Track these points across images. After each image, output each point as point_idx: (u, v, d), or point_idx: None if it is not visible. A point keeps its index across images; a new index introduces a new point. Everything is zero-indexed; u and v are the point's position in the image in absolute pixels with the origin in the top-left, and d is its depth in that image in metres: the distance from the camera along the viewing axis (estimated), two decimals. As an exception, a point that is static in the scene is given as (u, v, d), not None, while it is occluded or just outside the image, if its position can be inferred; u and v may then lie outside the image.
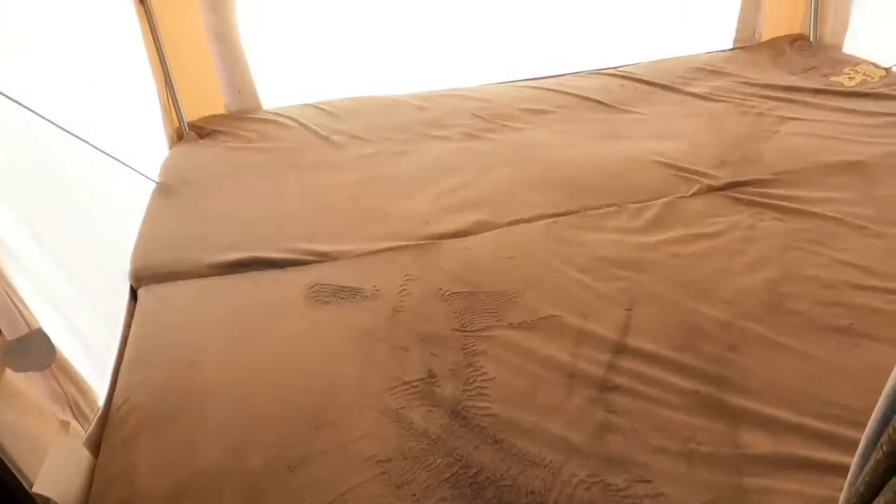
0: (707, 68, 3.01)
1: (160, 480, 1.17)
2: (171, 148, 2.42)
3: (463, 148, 2.41)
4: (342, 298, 1.63)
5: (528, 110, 2.67)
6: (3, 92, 1.17)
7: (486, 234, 1.89)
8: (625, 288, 1.64)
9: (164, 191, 2.09)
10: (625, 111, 2.66)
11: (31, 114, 1.31)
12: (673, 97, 2.77)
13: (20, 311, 1.00)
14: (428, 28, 2.90)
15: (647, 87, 2.86)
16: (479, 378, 1.36)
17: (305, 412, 1.30)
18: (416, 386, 1.35)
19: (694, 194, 2.04)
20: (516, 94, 2.84)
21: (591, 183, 2.11)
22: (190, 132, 2.55)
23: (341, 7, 2.74)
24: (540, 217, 1.96)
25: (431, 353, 1.44)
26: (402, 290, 1.66)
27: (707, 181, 2.09)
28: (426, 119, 2.62)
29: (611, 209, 1.98)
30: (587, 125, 2.55)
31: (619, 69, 3.05)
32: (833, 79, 2.78)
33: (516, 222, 1.94)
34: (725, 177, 2.11)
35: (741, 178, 2.09)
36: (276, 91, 2.78)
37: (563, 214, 1.97)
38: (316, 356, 1.47)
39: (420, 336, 1.49)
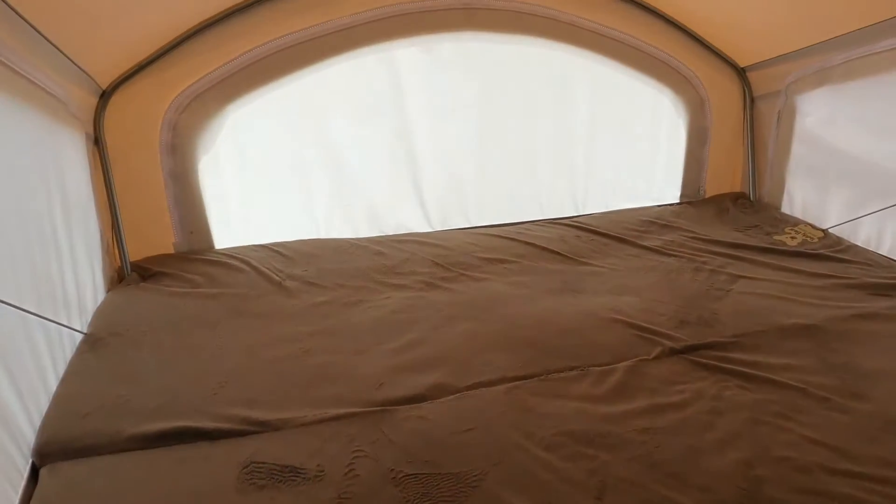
0: (658, 222, 3.14)
1: None
2: (108, 291, 2.26)
3: (421, 298, 2.35)
4: (280, 481, 1.44)
5: (487, 259, 2.67)
6: None
7: (444, 399, 1.76)
8: (593, 469, 1.51)
9: (92, 343, 1.90)
10: (582, 263, 2.69)
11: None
12: (628, 250, 2.84)
13: None
14: (389, 172, 2.95)
15: (603, 239, 2.93)
16: None
17: None
18: None
19: (656, 357, 1.99)
20: (475, 241, 2.85)
21: (553, 342, 2.05)
22: (132, 273, 2.42)
23: (302, 147, 2.77)
24: (501, 380, 1.86)
25: (380, 558, 1.25)
26: (350, 470, 1.48)
27: (668, 343, 2.05)
28: (384, 266, 2.58)
29: (573, 373, 1.90)
30: (546, 277, 2.54)
31: (575, 219, 3.15)
32: (776, 237, 2.91)
33: (476, 386, 1.83)
34: (686, 338, 2.08)
35: (701, 341, 2.06)
36: (230, 230, 2.72)
37: (525, 378, 1.87)
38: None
39: (367, 534, 1.31)
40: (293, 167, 2.77)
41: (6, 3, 1.38)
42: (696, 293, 2.42)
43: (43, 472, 1.44)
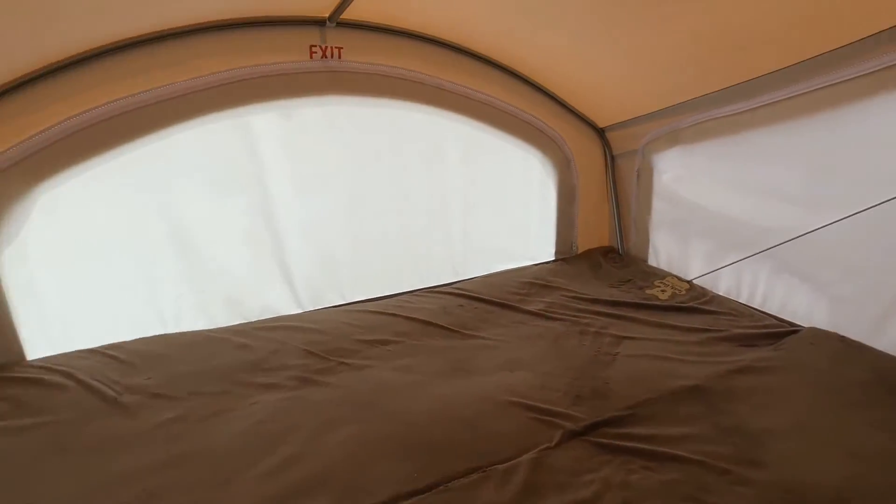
0: (538, 282, 3.10)
1: None
2: None
3: (295, 399, 2.04)
4: None
5: (368, 342, 2.43)
6: None
7: (331, 536, 1.48)
8: None
9: None
10: (469, 336, 2.55)
11: None
12: (513, 316, 2.75)
13: None
14: (250, 251, 2.62)
15: (486, 307, 2.82)
16: None
17: None
18: None
19: (558, 443, 1.87)
20: (353, 320, 2.60)
21: (450, 439, 1.85)
22: None
23: (141, 227, 2.36)
24: (397, 497, 1.61)
25: None
26: None
27: (568, 424, 1.94)
28: (248, 362, 2.23)
29: (475, 476, 1.71)
30: (434, 357, 2.35)
31: (455, 286, 3.02)
32: (648, 292, 3.00)
33: (371, 512, 1.57)
34: (584, 416, 1.98)
35: (599, 417, 1.97)
36: (46, 335, 2.21)
37: (424, 491, 1.64)
38: None
39: None
40: (131, 252, 2.34)
41: None
42: (586, 360, 2.36)
43: None
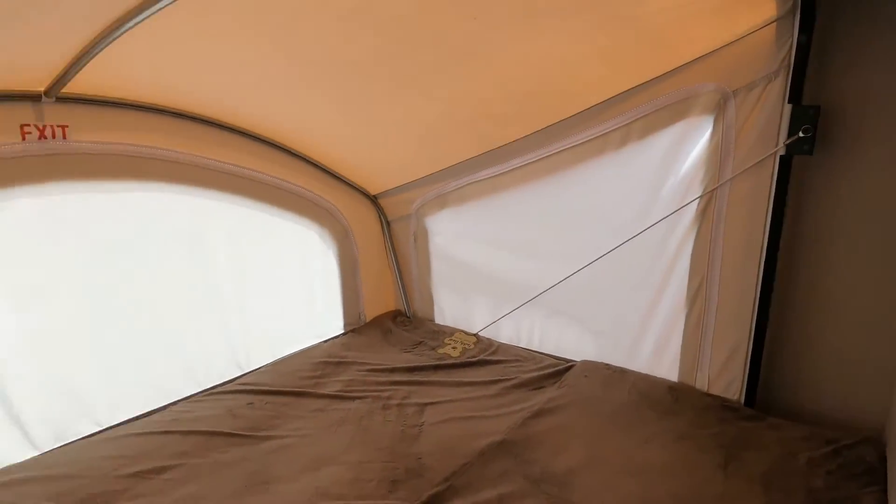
0: (331, 361, 2.94)
1: None
2: None
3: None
4: None
5: (136, 475, 1.99)
6: None
7: None
8: None
9: None
10: (264, 438, 2.26)
11: None
12: (310, 404, 2.54)
13: None
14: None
15: (279, 399, 2.56)
16: None
17: None
18: None
19: (383, 542, 1.72)
20: (115, 451, 2.12)
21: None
22: None
23: None
24: None
25: None
26: None
27: (388, 517, 1.81)
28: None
29: None
30: (223, 475, 2.02)
31: (240, 382, 2.70)
32: (441, 351, 3.05)
33: None
34: (403, 502, 1.88)
35: (419, 499, 1.89)
36: None
37: None
38: None
39: None
40: None
41: None
42: (394, 439, 2.27)
43: None
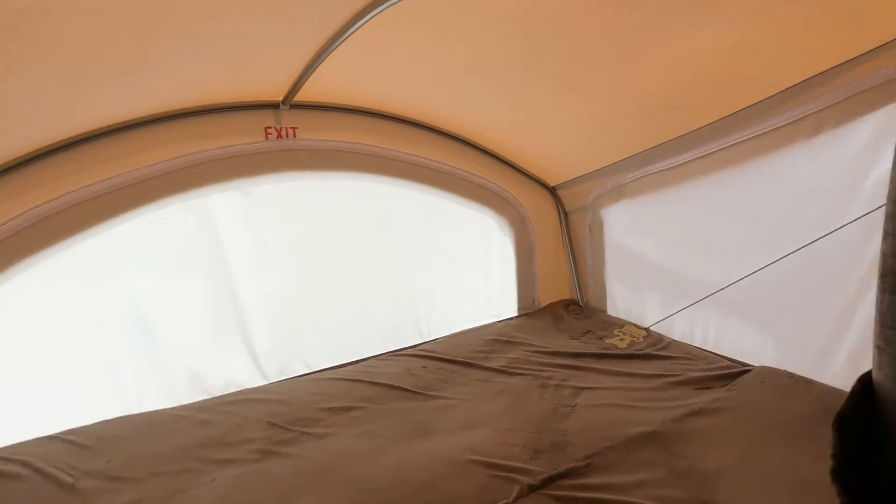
0: (501, 339, 3.17)
1: None
2: None
3: (255, 473, 2.04)
4: None
5: (330, 409, 2.46)
6: None
7: None
8: None
9: None
10: (432, 396, 2.58)
11: None
12: (476, 374, 2.80)
13: None
14: (211, 328, 2.67)
15: (450, 366, 2.87)
16: None
17: None
18: None
19: (516, 498, 1.89)
20: (317, 389, 2.63)
21: (406, 502, 1.86)
22: None
23: (99, 311, 2.41)
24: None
25: None
26: None
27: (525, 479, 1.97)
28: (209, 438, 2.24)
29: (434, 538, 1.72)
30: (395, 421, 2.38)
31: (420, 348, 3.07)
32: (607, 341, 3.08)
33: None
34: (541, 470, 2.02)
35: (556, 471, 2.00)
36: (8, 423, 2.21)
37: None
38: None
39: None
40: (89, 335, 2.38)
41: None
42: (545, 414, 2.41)
43: None
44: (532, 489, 1.94)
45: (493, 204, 3.36)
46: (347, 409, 2.47)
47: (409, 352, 3.04)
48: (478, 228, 3.39)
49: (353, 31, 1.91)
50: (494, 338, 3.19)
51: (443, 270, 3.29)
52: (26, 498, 1.89)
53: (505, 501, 1.88)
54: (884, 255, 0.44)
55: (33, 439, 2.20)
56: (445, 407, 2.51)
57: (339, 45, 2.00)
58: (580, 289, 3.61)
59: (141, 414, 2.41)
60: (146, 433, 2.26)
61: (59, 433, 2.23)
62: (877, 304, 0.47)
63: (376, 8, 1.76)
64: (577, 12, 1.88)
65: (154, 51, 1.71)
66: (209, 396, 2.59)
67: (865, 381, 0.49)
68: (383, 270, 3.09)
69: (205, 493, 1.93)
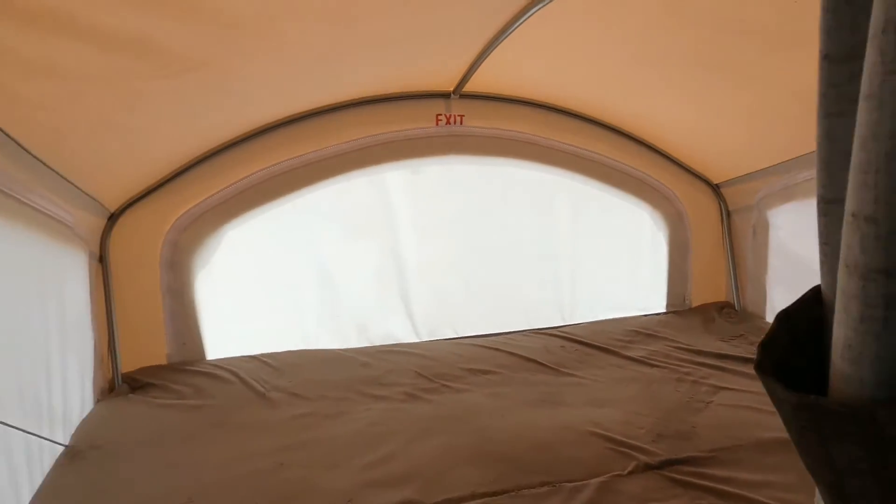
0: (644, 332, 3.18)
1: None
2: (97, 402, 2.33)
3: (400, 410, 2.37)
4: None
5: (470, 370, 2.72)
6: None
7: (411, 517, 1.76)
8: None
9: (71, 457, 1.95)
10: (564, 373, 2.72)
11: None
12: (612, 360, 2.87)
13: None
14: (378, 286, 3.08)
15: (587, 350, 2.97)
16: None
17: None
18: None
19: (630, 472, 1.97)
20: (461, 351, 2.91)
21: (526, 457, 2.04)
22: (122, 384, 2.50)
23: (293, 262, 2.93)
24: (471, 497, 1.84)
25: None
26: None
27: (643, 458, 2.04)
28: (368, 377, 2.63)
29: (544, 489, 1.89)
30: (527, 388, 2.57)
31: (561, 329, 3.21)
32: (760, 347, 2.93)
33: (445, 503, 1.82)
34: (662, 453, 2.06)
35: (677, 456, 2.04)
36: (222, 341, 2.81)
37: (496, 494, 1.86)
38: None
39: None
40: (284, 281, 2.91)
41: (17, 143, 1.59)
42: (676, 405, 2.42)
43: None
44: (649, 467, 2.01)
45: (648, 197, 3.36)
46: (485, 371, 2.71)
47: (550, 331, 3.19)
48: (630, 221, 3.41)
49: (518, 26, 2.12)
50: (637, 329, 3.21)
51: (591, 258, 3.37)
52: (232, 396, 2.43)
53: (619, 473, 1.98)
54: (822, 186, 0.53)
55: (239, 356, 2.78)
56: (576, 384, 2.63)
57: (504, 39, 2.22)
58: (737, 292, 3.45)
59: (316, 350, 2.89)
60: (320, 365, 2.73)
61: (257, 355, 2.79)
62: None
63: (538, 4, 1.94)
64: (746, 2, 1.88)
65: (346, 47, 2.08)
66: (370, 344, 3.01)
67: (816, 289, 0.58)
68: (533, 252, 3.28)
69: (360, 419, 2.31)
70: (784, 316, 0.54)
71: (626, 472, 1.98)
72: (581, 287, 3.39)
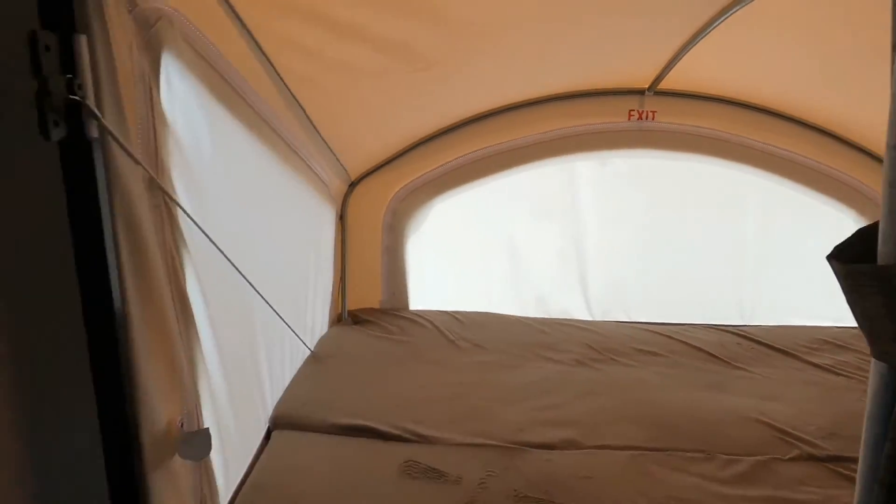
0: (834, 342, 3.03)
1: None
2: (330, 327, 2.99)
3: (569, 373, 2.65)
4: (429, 478, 1.85)
5: (639, 350, 2.89)
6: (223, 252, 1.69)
7: (571, 451, 2.04)
8: (695, 533, 1.65)
9: (315, 359, 2.58)
10: (736, 367, 2.75)
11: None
12: (791, 363, 2.82)
13: (198, 413, 1.41)
14: (558, 266, 3.38)
15: (765, 350, 2.94)
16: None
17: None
18: (469, 569, 1.48)
19: (792, 459, 2.03)
20: (632, 334, 3.08)
21: (686, 427, 2.19)
22: (348, 318, 3.15)
23: (486, 235, 3.35)
24: (626, 447, 2.07)
25: (491, 544, 1.57)
26: (482, 483, 1.84)
27: (809, 449, 2.07)
28: (543, 342, 2.94)
29: (699, 455, 2.03)
30: (694, 373, 2.67)
31: (739, 328, 3.19)
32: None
33: (602, 447, 2.07)
34: (831, 449, 2.07)
35: (850, 454, 2.03)
36: (422, 296, 3.35)
37: (650, 450, 2.05)
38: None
39: (486, 527, 1.64)
40: (478, 252, 3.35)
41: (309, 119, 2.19)
42: (859, 413, 2.34)
43: (274, 433, 2.06)
44: (813, 458, 2.03)
45: (852, 201, 3.16)
46: (654, 353, 2.86)
47: (726, 328, 3.20)
48: (830, 225, 3.24)
49: (717, 25, 2.25)
50: (826, 339, 3.07)
51: (780, 261, 3.29)
52: (428, 339, 2.93)
53: (780, 457, 2.04)
54: None
55: (434, 310, 3.28)
56: (747, 378, 2.66)
57: (702, 38, 2.36)
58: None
59: (498, 314, 3.28)
60: (502, 326, 3.12)
61: (449, 311, 3.26)
62: None
63: (738, 4, 2.07)
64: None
65: (553, 49, 2.40)
66: (547, 316, 3.31)
67: None
68: (716, 248, 3.30)
69: (533, 373, 2.63)
70: (861, 230, 0.73)
71: (786, 457, 2.04)
72: (765, 289, 3.32)
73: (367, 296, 3.28)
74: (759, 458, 2.02)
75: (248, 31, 1.57)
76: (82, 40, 1.06)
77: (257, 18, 1.51)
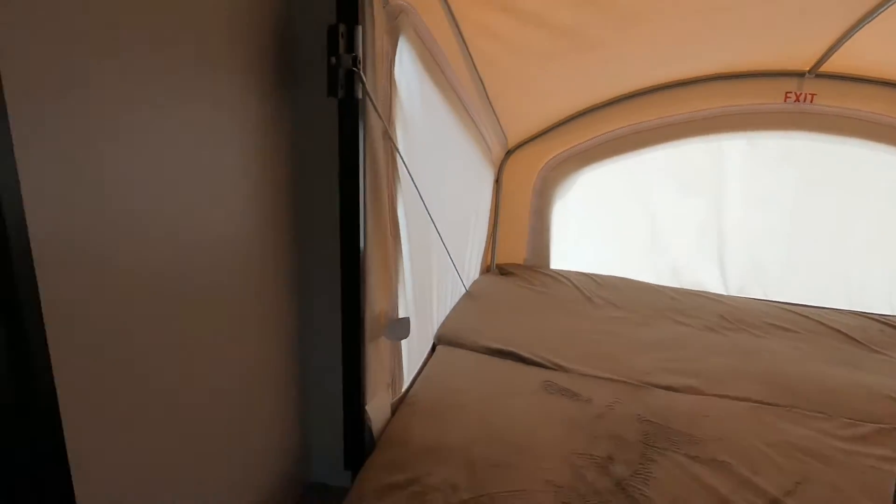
0: None
1: (421, 442, 1.87)
2: (481, 274, 3.44)
3: (698, 336, 2.85)
4: (564, 395, 2.22)
5: (772, 325, 2.99)
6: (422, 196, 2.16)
7: (693, 396, 2.28)
8: (802, 472, 1.84)
9: (470, 296, 3.04)
10: (875, 351, 2.77)
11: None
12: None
13: (400, 307, 1.90)
14: (697, 239, 3.52)
15: (918, 340, 2.90)
16: (646, 472, 1.77)
17: (515, 446, 1.88)
18: (597, 459, 1.83)
19: (916, 431, 2.10)
20: (766, 310, 3.18)
21: (810, 393, 2.31)
22: (495, 269, 3.58)
23: (628, 206, 3.58)
24: (747, 399, 2.27)
25: (616, 446, 1.90)
26: (609, 406, 2.16)
27: (941, 427, 2.12)
28: (674, 307, 3.15)
29: (821, 415, 2.18)
30: (828, 350, 2.74)
31: (886, 317, 3.14)
32: None
33: (723, 397, 2.29)
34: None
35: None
36: (563, 256, 3.68)
37: (771, 405, 2.24)
38: (535, 423, 2.05)
39: (611, 434, 1.97)
40: (619, 220, 3.60)
41: (485, 91, 2.60)
42: None
43: (438, 347, 2.54)
44: (943, 434, 2.09)
45: None
46: (787, 329, 2.95)
47: (872, 316, 3.16)
48: None
49: (886, 9, 2.29)
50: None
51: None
52: (566, 293, 3.27)
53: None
54: None
55: (573, 270, 3.60)
56: (885, 361, 2.68)
57: (869, 22, 2.41)
58: None
59: (635, 280, 3.52)
60: (636, 290, 3.36)
61: (586, 272, 3.57)
62: None
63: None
64: None
65: (710, 32, 2.56)
66: (680, 286, 3.49)
67: None
68: (867, 235, 3.25)
69: (662, 331, 2.87)
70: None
71: (911, 429, 2.11)
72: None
73: (513, 252, 3.68)
74: (882, 425, 2.12)
75: (454, 19, 1.99)
76: (359, 30, 1.53)
77: (464, 10, 1.93)
